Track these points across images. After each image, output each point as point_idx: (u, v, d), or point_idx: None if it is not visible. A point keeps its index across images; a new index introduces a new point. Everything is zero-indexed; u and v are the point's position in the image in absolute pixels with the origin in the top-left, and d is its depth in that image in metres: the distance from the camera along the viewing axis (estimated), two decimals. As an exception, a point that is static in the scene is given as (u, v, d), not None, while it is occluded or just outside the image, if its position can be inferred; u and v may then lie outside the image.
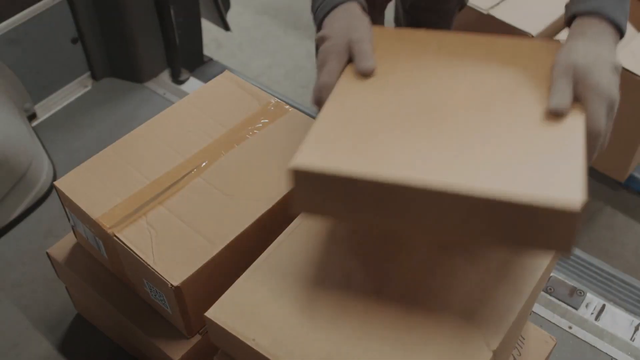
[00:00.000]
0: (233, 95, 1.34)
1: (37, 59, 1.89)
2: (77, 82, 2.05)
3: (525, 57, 0.97)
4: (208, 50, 2.39)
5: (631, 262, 1.85)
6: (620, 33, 0.99)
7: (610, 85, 0.92)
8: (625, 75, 1.91)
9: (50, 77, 1.96)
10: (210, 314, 0.93)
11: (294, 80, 2.52)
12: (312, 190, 0.83)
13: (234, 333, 0.91)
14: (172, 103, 1.38)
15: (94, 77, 2.08)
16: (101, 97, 2.04)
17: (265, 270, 0.94)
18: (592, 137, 0.88)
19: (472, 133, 0.84)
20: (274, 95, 1.34)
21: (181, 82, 2.11)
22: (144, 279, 1.12)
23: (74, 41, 1.96)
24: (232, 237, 1.10)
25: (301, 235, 0.98)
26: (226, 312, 0.91)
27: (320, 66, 0.99)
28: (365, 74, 0.96)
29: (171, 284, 1.04)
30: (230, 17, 2.28)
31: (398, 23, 2.07)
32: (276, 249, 0.97)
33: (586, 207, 0.80)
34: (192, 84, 2.11)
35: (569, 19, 1.00)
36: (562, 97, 0.88)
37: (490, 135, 0.83)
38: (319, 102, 0.98)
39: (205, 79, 2.11)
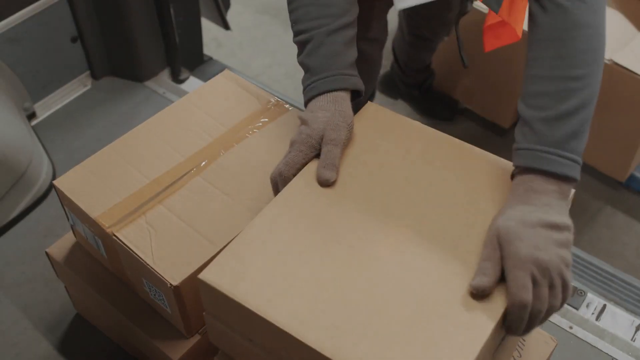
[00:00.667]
0: (233, 95, 1.33)
1: (36, 57, 1.88)
2: (77, 81, 2.05)
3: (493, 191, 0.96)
4: (208, 50, 2.39)
5: (632, 262, 1.84)
6: (572, 179, 0.90)
7: (537, 251, 0.83)
8: (626, 74, 1.91)
9: (50, 76, 1.96)
10: (208, 311, 0.93)
11: (294, 80, 2.51)
12: (215, 300, 0.88)
13: (232, 332, 0.91)
14: (172, 102, 1.38)
15: (94, 76, 2.08)
16: (101, 96, 2.04)
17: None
18: (515, 309, 0.82)
19: (381, 297, 0.83)
20: (274, 95, 1.34)
21: (181, 81, 2.10)
22: (144, 278, 1.11)
23: (73, 40, 1.96)
24: (231, 236, 1.09)
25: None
26: (224, 311, 0.90)
27: (290, 146, 0.99)
28: (321, 185, 0.96)
29: (170, 284, 1.04)
30: (230, 16, 2.27)
31: (400, 21, 2.07)
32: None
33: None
34: (192, 83, 2.10)
35: (512, 172, 0.95)
36: (484, 274, 0.83)
37: (399, 307, 0.83)
38: (275, 188, 0.99)
39: (205, 78, 2.11)
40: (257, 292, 0.83)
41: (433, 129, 1.05)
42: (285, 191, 0.95)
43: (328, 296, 0.83)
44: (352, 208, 0.93)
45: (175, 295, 1.05)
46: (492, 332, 0.80)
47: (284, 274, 0.85)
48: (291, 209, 0.93)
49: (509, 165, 0.99)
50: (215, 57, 2.30)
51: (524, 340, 1.14)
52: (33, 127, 1.90)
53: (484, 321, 0.81)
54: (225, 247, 0.90)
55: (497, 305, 0.82)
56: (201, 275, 0.86)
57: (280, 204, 0.94)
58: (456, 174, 0.98)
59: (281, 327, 0.80)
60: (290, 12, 1.05)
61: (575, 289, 1.53)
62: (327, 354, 0.78)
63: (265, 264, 0.87)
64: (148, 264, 1.06)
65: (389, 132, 1.04)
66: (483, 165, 0.99)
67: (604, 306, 1.50)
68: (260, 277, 0.85)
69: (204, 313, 0.93)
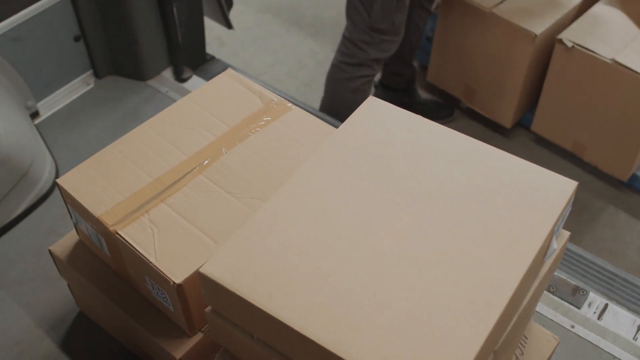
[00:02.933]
0: (235, 93, 1.33)
1: (39, 57, 1.89)
2: (80, 80, 2.05)
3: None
4: (211, 49, 2.39)
5: (634, 261, 1.84)
6: None
7: None
8: (628, 74, 1.91)
9: (53, 75, 1.96)
10: (210, 310, 0.93)
11: (297, 79, 2.52)
12: (216, 295, 0.88)
13: (234, 329, 0.91)
14: (175, 101, 1.38)
15: (97, 75, 2.08)
16: (104, 95, 2.04)
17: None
18: None
19: (382, 290, 0.83)
20: (276, 94, 1.34)
21: (184, 80, 2.11)
22: (146, 276, 1.12)
23: (76, 39, 1.96)
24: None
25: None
26: (225, 306, 0.91)
27: None
28: None
29: (173, 282, 1.04)
30: (233, 15, 2.28)
31: None
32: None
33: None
34: (195, 82, 2.11)
35: None
36: None
37: (400, 300, 0.83)
38: None
39: (208, 77, 2.11)
40: (259, 286, 0.84)
41: (436, 124, 1.05)
42: (286, 185, 0.95)
43: (329, 290, 0.83)
44: (354, 201, 0.93)
45: (178, 293, 1.05)
46: (495, 326, 0.80)
47: (285, 268, 0.85)
48: (292, 203, 0.93)
49: (513, 159, 0.99)
50: (217, 56, 2.30)
51: (527, 338, 1.14)
52: (36, 126, 1.91)
53: (486, 314, 0.81)
54: (227, 243, 0.90)
55: (500, 298, 0.82)
56: (202, 269, 0.86)
57: (281, 198, 0.94)
58: (460, 168, 0.97)
59: (282, 320, 0.80)
60: None
61: (577, 288, 1.53)
62: (328, 347, 0.78)
63: (266, 257, 0.87)
64: (151, 262, 1.06)
65: (393, 126, 1.04)
66: (487, 159, 0.99)
67: (606, 305, 1.50)
68: (262, 271, 0.85)
69: (205, 310, 0.93)
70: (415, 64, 2.43)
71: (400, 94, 2.40)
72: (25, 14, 1.79)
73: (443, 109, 2.44)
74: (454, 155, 0.99)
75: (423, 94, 2.55)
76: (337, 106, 2.16)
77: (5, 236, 1.64)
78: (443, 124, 1.05)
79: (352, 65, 2.12)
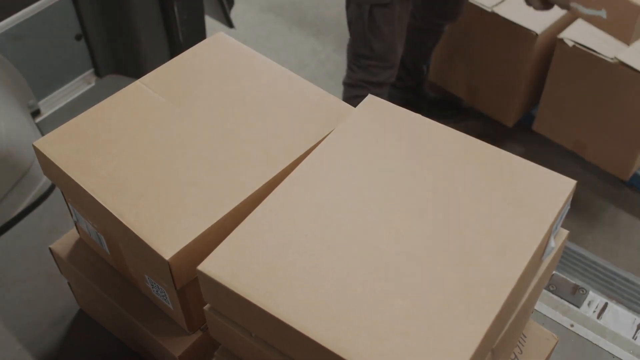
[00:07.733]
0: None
1: (40, 55, 1.89)
2: (81, 78, 2.05)
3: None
4: (212, 48, 2.39)
5: (634, 261, 1.84)
6: None
7: None
8: (630, 73, 1.91)
9: (54, 73, 1.97)
10: (209, 307, 0.93)
11: (298, 78, 2.52)
12: (215, 292, 0.88)
13: (233, 327, 0.91)
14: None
15: (98, 74, 2.08)
16: (105, 94, 2.03)
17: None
18: None
19: (381, 288, 0.83)
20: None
21: (185, 79, 2.11)
22: (146, 274, 1.12)
23: (77, 38, 1.97)
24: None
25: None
26: (224, 304, 0.91)
27: None
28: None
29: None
30: (234, 14, 2.28)
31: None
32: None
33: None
34: (196, 81, 2.11)
35: None
36: None
37: (399, 298, 0.82)
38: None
39: (209, 76, 2.11)
40: (257, 284, 0.84)
41: (435, 122, 1.05)
42: (285, 182, 0.96)
43: (328, 288, 0.83)
44: (352, 199, 0.93)
45: (178, 292, 1.05)
46: (493, 324, 0.81)
47: (283, 266, 0.85)
48: (291, 200, 0.93)
49: (513, 158, 0.99)
50: (219, 55, 2.30)
51: (525, 337, 1.14)
52: (37, 125, 1.91)
53: (484, 312, 0.81)
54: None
55: (498, 296, 0.82)
56: (200, 267, 0.86)
57: (280, 195, 0.94)
58: (458, 166, 0.98)
59: (281, 318, 0.80)
60: None
61: (577, 286, 1.53)
62: (327, 345, 0.78)
63: (265, 255, 0.87)
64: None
65: (393, 124, 1.04)
66: (485, 157, 0.99)
67: (606, 304, 1.50)
68: (260, 269, 0.85)
69: (204, 308, 0.93)
70: (424, 68, 2.42)
71: (404, 91, 2.40)
72: (27, 12, 1.79)
73: (450, 107, 2.44)
74: (453, 154, 0.99)
75: (431, 93, 2.54)
76: None
77: (6, 234, 1.64)
78: (449, 123, 1.05)
79: (348, 85, 2.18)
